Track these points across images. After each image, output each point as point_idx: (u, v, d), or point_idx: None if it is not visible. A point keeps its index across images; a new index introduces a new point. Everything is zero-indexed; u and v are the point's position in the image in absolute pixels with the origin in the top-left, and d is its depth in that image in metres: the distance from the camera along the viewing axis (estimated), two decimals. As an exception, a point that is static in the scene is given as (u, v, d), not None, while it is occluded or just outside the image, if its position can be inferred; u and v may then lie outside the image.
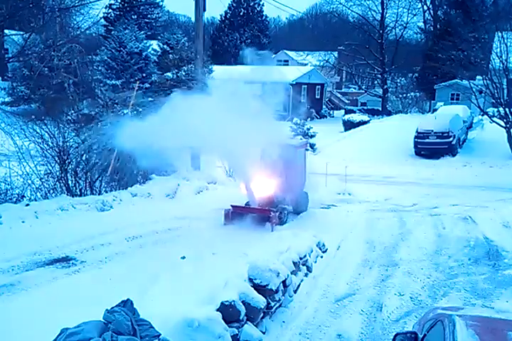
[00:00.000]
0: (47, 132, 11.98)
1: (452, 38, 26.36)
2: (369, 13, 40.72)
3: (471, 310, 4.90)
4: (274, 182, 10.91)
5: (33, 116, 13.48)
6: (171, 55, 28.47)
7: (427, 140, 22.18)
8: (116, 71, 34.42)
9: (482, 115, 26.52)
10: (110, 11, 47.76)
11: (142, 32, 38.41)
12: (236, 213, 10.84)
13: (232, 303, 5.76)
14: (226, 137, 9.51)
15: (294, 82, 37.87)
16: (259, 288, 6.36)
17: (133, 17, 44.56)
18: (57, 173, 12.05)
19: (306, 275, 8.33)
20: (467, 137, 24.80)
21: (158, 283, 6.66)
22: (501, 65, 21.17)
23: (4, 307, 6.15)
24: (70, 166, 12.24)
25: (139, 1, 49.82)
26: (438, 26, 39.37)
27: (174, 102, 10.11)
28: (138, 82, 16.32)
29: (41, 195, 11.67)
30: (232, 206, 10.87)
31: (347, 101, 49.22)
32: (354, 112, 36.87)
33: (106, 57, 34.53)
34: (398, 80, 44.24)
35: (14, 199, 11.04)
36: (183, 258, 8.13)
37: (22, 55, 13.56)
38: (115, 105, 13.75)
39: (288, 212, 11.25)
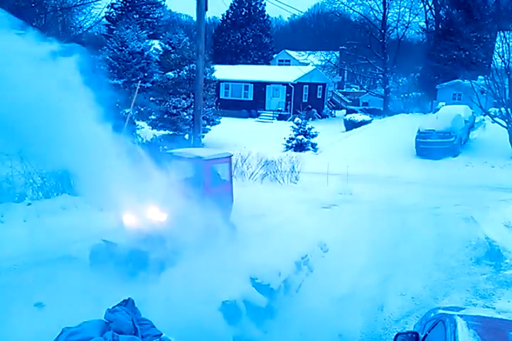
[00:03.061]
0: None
1: (454, 37, 26.35)
2: (371, 12, 40.74)
3: (473, 310, 4.91)
4: (166, 211, 7.99)
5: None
6: (172, 55, 28.44)
7: (428, 140, 22.15)
8: (118, 70, 34.40)
9: (484, 115, 26.45)
10: (112, 10, 47.70)
11: (144, 31, 38.34)
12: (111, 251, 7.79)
13: (234, 303, 5.77)
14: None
15: (296, 82, 37.89)
16: (261, 288, 6.37)
17: (135, 16, 44.52)
18: (59, 172, 12.05)
19: (307, 275, 8.33)
20: (469, 137, 24.76)
21: (160, 282, 6.66)
22: (503, 65, 21.14)
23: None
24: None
25: (140, 1, 49.81)
26: (440, 26, 39.29)
27: None
28: (140, 82, 16.31)
29: (43, 194, 11.68)
30: (104, 241, 7.99)
31: (348, 101, 49.17)
32: (356, 112, 36.84)
33: (108, 57, 34.52)
34: (400, 80, 44.16)
35: (16, 199, 11.05)
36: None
37: (24, 55, 13.58)
38: (117, 104, 13.77)
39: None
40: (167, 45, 36.41)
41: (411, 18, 41.09)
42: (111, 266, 7.33)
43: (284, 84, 38.28)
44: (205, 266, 6.84)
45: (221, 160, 9.38)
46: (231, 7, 53.31)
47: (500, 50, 21.07)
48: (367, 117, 32.17)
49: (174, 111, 26.34)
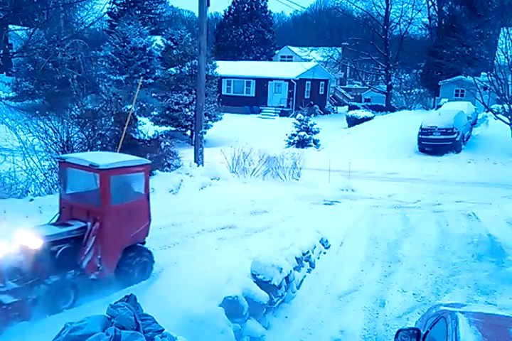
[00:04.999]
0: (51, 127, 12.01)
1: (457, 33, 26.24)
2: (373, 8, 40.60)
3: (474, 307, 4.91)
4: (43, 236, 6.25)
5: (37, 112, 13.48)
6: (174, 51, 28.41)
7: (431, 136, 22.12)
8: (120, 66, 34.45)
9: (486, 111, 26.41)
10: (114, 6, 47.71)
11: (146, 27, 38.42)
12: None
13: (235, 299, 5.77)
14: None
15: (298, 78, 37.82)
16: (262, 284, 6.36)
17: (137, 12, 44.52)
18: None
19: (309, 271, 8.34)
20: (471, 133, 24.72)
21: (161, 278, 6.67)
22: (506, 61, 21.07)
23: None
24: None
25: (142, -4, 49.67)
26: (443, 22, 39.13)
27: None
28: (142, 78, 16.28)
29: (45, 190, 11.69)
30: None
31: (351, 97, 49.09)
32: (358, 108, 36.80)
33: (110, 53, 34.56)
34: (402, 76, 44.06)
35: (18, 194, 11.07)
36: None
37: (26, 50, 13.56)
38: (119, 100, 13.76)
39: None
40: (169, 41, 36.48)
41: (414, 14, 41.01)
42: None
43: (286, 80, 38.22)
44: None
45: (131, 170, 7.29)
46: (233, 3, 53.23)
47: (504, 46, 20.99)
48: (369, 113, 32.14)
49: (176, 107, 26.36)
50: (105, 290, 6.57)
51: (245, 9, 53.08)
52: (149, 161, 7.83)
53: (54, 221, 7.03)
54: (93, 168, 6.67)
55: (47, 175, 11.92)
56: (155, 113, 27.17)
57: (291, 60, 51.42)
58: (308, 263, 8.41)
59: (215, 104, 27.16)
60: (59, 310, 5.88)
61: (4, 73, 33.92)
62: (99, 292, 6.51)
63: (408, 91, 39.66)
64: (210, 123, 26.32)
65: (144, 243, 7.56)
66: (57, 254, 6.29)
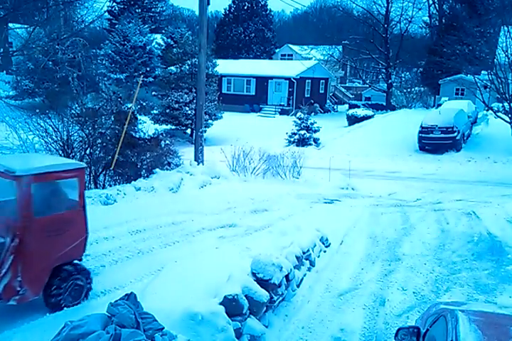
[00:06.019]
0: (51, 126, 12.02)
1: (457, 32, 26.21)
2: (374, 7, 40.53)
3: (474, 305, 4.91)
4: None
5: (37, 110, 13.49)
6: (174, 49, 28.37)
7: (431, 135, 22.11)
8: (120, 65, 34.39)
9: (487, 110, 26.41)
10: (114, 4, 47.56)
11: (146, 26, 38.34)
12: None
13: (235, 297, 5.77)
14: None
15: (298, 77, 37.79)
16: (262, 282, 6.36)
17: (137, 11, 44.44)
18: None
19: (309, 269, 8.34)
20: (471, 132, 24.72)
21: (162, 276, 6.68)
22: (507, 60, 21.06)
23: None
24: (74, 160, 12.24)
25: (142, -5, 49.56)
26: (443, 20, 39.08)
27: None
28: (142, 76, 16.28)
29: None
30: None
31: (351, 96, 49.06)
32: (358, 107, 36.78)
33: (110, 51, 34.51)
34: (403, 75, 44.07)
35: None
36: None
37: (26, 49, 13.56)
38: (119, 99, 13.76)
39: None
40: (169, 40, 36.41)
41: (414, 13, 40.92)
42: None
43: (286, 78, 38.19)
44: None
45: (59, 175, 6.11)
46: (233, 1, 53.11)
47: (504, 44, 20.98)
48: (369, 112, 32.13)
49: (176, 106, 26.34)
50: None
51: (245, 8, 52.98)
52: (84, 164, 6.74)
53: None
54: (8, 174, 5.58)
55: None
56: (155, 111, 27.16)
57: (292, 59, 51.37)
58: (308, 261, 8.42)
59: (216, 102, 27.14)
60: None
61: (4, 71, 33.93)
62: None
63: (408, 89, 39.67)
64: (210, 121, 26.31)
65: (80, 260, 6.58)
66: None
